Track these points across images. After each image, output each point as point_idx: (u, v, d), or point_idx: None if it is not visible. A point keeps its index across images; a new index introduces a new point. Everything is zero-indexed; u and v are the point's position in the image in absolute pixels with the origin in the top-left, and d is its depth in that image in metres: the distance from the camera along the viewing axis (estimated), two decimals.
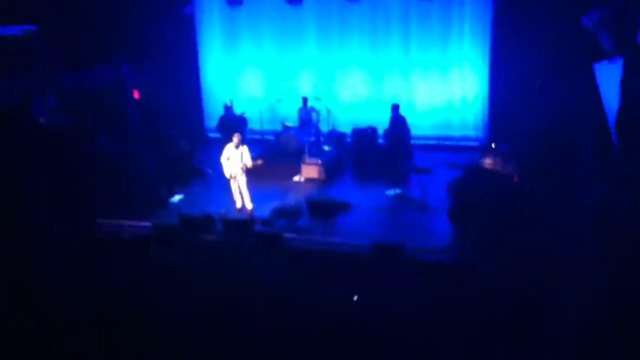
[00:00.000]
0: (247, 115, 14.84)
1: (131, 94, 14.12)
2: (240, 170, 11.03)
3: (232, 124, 13.81)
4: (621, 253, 4.42)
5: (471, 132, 14.79)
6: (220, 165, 11.33)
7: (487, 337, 7.45)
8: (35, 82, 12.57)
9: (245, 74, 16.31)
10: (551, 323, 6.00)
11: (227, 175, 11.16)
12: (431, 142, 14.97)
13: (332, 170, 13.22)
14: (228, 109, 14.15)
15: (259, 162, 11.37)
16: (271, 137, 14.61)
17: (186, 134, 14.48)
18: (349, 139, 14.48)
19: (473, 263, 9.04)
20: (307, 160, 13.24)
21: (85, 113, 13.19)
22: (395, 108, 13.49)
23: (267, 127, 14.66)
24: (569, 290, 5.54)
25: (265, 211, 11.09)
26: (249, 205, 11.29)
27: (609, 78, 5.76)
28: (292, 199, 11.90)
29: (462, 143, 14.77)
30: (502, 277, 8.17)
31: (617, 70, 5.13)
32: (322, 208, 11.25)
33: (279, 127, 14.49)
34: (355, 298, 8.92)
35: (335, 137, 14.34)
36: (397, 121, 13.59)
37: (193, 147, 14.36)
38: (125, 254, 10.43)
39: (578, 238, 5.74)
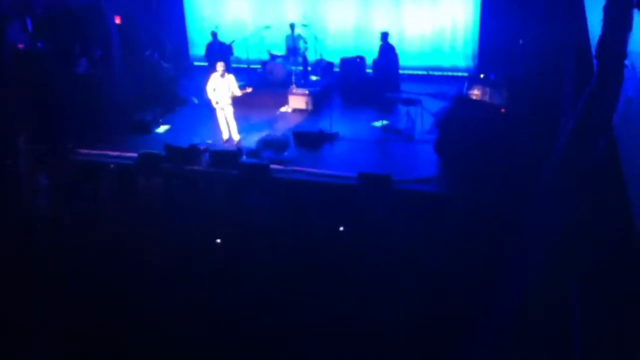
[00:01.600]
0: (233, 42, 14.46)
1: (111, 17, 13.61)
2: (228, 100, 10.87)
3: (219, 51, 13.46)
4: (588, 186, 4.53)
5: (460, 62, 14.58)
6: (206, 94, 11.14)
7: (469, 265, 7.67)
8: (9, 4, 12.05)
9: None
10: (527, 243, 6.18)
11: (214, 105, 11.00)
12: (420, 72, 14.77)
13: (319, 101, 13.07)
14: (215, 35, 13.76)
15: (249, 89, 11.21)
16: (258, 66, 14.32)
17: (170, 60, 14.15)
18: (337, 69, 14.24)
19: (458, 194, 9.16)
20: (295, 90, 13.05)
21: (64, 37, 12.76)
22: (384, 36, 13.21)
23: (253, 55, 14.31)
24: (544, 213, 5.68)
25: (252, 142, 11.04)
26: (236, 136, 11.20)
27: (595, 4, 5.65)
28: (279, 129, 11.83)
29: (451, 73, 14.59)
30: (484, 207, 8.31)
31: None
32: (309, 139, 11.22)
33: (265, 56, 14.17)
34: (341, 229, 9.07)
35: (323, 66, 14.09)
36: (387, 50, 13.37)
37: (177, 74, 14.08)
38: (110, 183, 10.44)
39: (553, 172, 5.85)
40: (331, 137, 11.40)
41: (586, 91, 5.27)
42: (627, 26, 4.44)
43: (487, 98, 11.57)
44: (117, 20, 13.69)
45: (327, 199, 9.65)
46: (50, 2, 12.79)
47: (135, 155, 10.75)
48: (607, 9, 4.65)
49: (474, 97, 11.68)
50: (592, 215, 4.09)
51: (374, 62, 13.57)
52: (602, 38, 4.64)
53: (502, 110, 10.84)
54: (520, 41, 11.67)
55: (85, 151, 11.15)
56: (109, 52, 13.49)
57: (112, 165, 10.62)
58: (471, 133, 9.93)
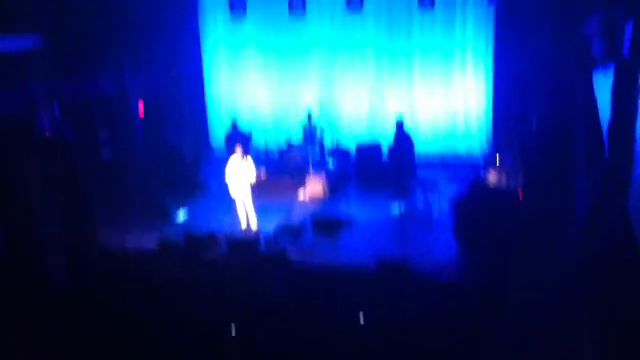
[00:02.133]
0: (252, 131, 14.87)
1: (134, 103, 14.20)
2: (245, 186, 11.02)
3: (238, 140, 13.83)
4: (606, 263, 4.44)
5: (475, 148, 14.76)
6: (225, 183, 11.33)
7: (490, 354, 7.37)
8: (39, 92, 12.65)
9: (250, 89, 16.38)
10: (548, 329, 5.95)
11: (232, 192, 11.15)
12: (435, 158, 14.93)
13: (336, 187, 13.19)
14: (234, 125, 14.19)
15: (263, 175, 11.36)
16: (275, 155, 14.62)
17: (191, 147, 14.53)
18: (353, 155, 14.47)
19: (477, 281, 8.97)
20: (312, 177, 13.23)
21: (89, 123, 13.25)
22: (399, 125, 13.45)
23: (271, 142, 14.66)
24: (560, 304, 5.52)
25: (270, 229, 11.06)
26: (254, 224, 11.25)
27: (604, 86, 5.76)
28: (296, 216, 11.87)
29: (466, 159, 14.73)
30: (504, 295, 8.10)
31: (610, 79, 5.15)
32: (326, 225, 11.21)
33: (283, 143, 14.51)
34: (360, 316, 8.85)
35: (339, 153, 14.32)
36: (402, 138, 13.55)
37: (197, 161, 14.40)
38: (128, 269, 10.42)
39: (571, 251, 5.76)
40: (349, 224, 11.39)
41: (600, 176, 5.26)
42: (634, 112, 4.50)
43: (503, 183, 11.59)
44: (141, 109, 14.25)
45: (346, 287, 9.49)
46: (77, 90, 13.40)
47: (153, 243, 10.80)
48: (614, 94, 4.74)
49: (491, 182, 11.71)
50: (613, 301, 3.98)
51: (390, 149, 13.78)
52: (611, 122, 4.70)
53: (519, 194, 10.81)
54: (534, 125, 11.81)
55: (105, 237, 11.23)
56: (132, 138, 13.96)
57: (129, 253, 10.65)
58: (489, 218, 9.87)
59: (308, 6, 14.31)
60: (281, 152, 14.34)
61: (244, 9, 14.59)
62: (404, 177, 12.91)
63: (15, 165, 10.82)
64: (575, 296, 5.01)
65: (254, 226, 11.24)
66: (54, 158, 11.89)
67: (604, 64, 6.28)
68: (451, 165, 14.57)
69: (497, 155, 12.44)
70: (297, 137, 14.58)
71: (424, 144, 14.74)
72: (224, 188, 11.71)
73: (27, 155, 11.25)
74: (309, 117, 14.34)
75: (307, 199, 13.04)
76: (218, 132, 16.20)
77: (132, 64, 14.25)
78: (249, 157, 11.10)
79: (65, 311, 9.19)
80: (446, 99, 14.84)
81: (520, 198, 10.41)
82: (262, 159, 14.35)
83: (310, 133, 14.37)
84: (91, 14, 13.49)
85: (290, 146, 14.29)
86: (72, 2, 13.12)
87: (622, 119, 4.50)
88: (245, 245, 10.52)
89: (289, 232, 10.82)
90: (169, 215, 12.24)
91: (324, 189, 13.03)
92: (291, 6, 14.21)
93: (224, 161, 13.14)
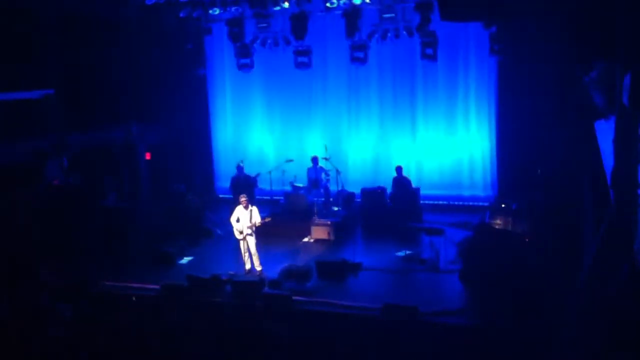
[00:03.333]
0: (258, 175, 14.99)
1: (141, 152, 14.38)
2: (250, 230, 11.04)
3: (244, 184, 13.94)
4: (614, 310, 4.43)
5: (480, 192, 14.82)
6: (229, 225, 11.37)
7: None
8: (49, 143, 12.86)
9: (256, 134, 16.61)
10: None
11: (237, 236, 11.17)
12: (441, 202, 14.99)
13: (341, 231, 13.20)
14: (240, 169, 14.33)
15: (268, 220, 11.38)
16: (281, 198, 14.70)
17: (196, 192, 14.63)
18: (358, 199, 14.52)
19: (484, 325, 8.88)
20: (317, 220, 13.26)
21: (96, 172, 13.43)
22: (398, 170, 13.56)
23: (276, 187, 14.77)
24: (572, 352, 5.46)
25: (275, 272, 11.02)
26: (258, 267, 11.23)
27: (606, 136, 5.86)
28: (301, 260, 11.84)
29: (471, 203, 14.78)
30: (512, 339, 8.01)
31: (612, 128, 5.26)
32: (331, 269, 11.16)
33: (288, 188, 14.60)
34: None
35: (344, 197, 14.38)
36: (401, 182, 13.64)
37: (203, 206, 14.47)
38: (133, 316, 10.35)
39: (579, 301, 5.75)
40: (354, 268, 11.34)
41: (605, 219, 5.30)
42: (636, 158, 4.57)
43: (509, 227, 11.60)
44: (148, 157, 14.42)
45: (351, 331, 9.40)
46: (86, 141, 13.63)
47: (157, 286, 10.78)
48: (615, 142, 4.82)
49: (497, 227, 11.72)
50: (620, 342, 3.95)
51: (390, 193, 13.84)
52: (614, 169, 4.77)
53: (526, 239, 10.81)
54: (539, 170, 11.91)
55: (109, 283, 11.21)
56: (138, 185, 14.09)
57: (134, 298, 10.60)
58: (496, 263, 9.85)
59: (314, 58, 14.63)
60: (286, 195, 14.42)
61: (251, 58, 14.97)
62: (410, 221, 12.93)
63: (26, 211, 10.95)
64: (583, 339, 4.97)
65: (258, 268, 11.21)
66: (62, 204, 12.06)
67: (605, 114, 6.41)
68: (457, 210, 14.61)
69: (502, 201, 12.50)
70: (302, 180, 14.68)
71: (430, 189, 14.83)
72: (228, 231, 11.74)
73: (38, 202, 11.41)
74: (314, 160, 14.47)
75: (312, 241, 13.04)
76: (224, 176, 16.35)
77: (139, 114, 14.55)
78: (254, 206, 11.15)
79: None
80: (451, 145, 14.98)
81: (527, 242, 10.40)
82: (268, 202, 14.43)
83: (315, 177, 14.47)
84: (101, 66, 13.88)
85: (295, 189, 14.38)
86: (83, 55, 13.52)
87: (624, 165, 4.57)
88: (249, 287, 10.49)
89: (294, 274, 10.78)
90: (174, 259, 12.24)
91: (329, 232, 13.03)
92: (297, 58, 14.54)
93: (229, 203, 13.24)
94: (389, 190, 14.21)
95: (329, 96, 15.78)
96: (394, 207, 13.85)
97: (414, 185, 14.32)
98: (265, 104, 16.42)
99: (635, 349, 3.59)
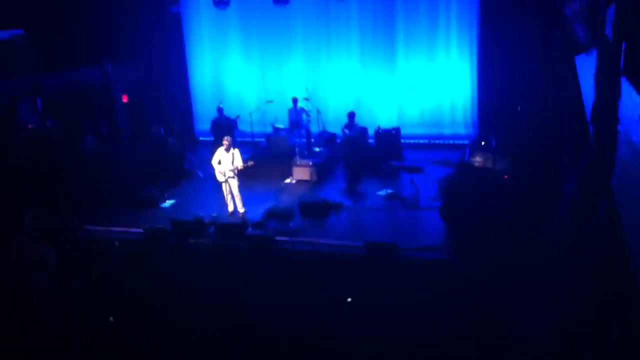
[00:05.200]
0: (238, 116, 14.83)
1: (118, 94, 14.08)
2: (232, 173, 11.01)
3: (224, 126, 13.78)
4: (593, 250, 4.54)
5: (461, 130, 14.85)
6: (211, 167, 11.31)
7: (478, 335, 7.50)
8: (21, 85, 12.51)
9: (234, 75, 16.29)
10: (534, 320, 6.09)
11: (219, 179, 11.14)
12: (422, 140, 15.01)
13: (323, 172, 13.22)
14: (220, 110, 14.13)
15: (251, 163, 11.35)
16: (262, 139, 14.60)
17: (176, 135, 14.47)
18: (339, 140, 14.49)
19: (463, 261, 9.08)
20: (298, 161, 13.24)
21: (72, 115, 13.15)
22: (351, 116, 13.05)
23: (257, 129, 14.63)
24: (549, 289, 5.64)
25: (257, 214, 11.09)
26: (241, 208, 11.27)
27: (587, 71, 5.83)
28: (283, 201, 11.90)
29: (452, 141, 14.83)
30: (491, 275, 8.21)
31: (593, 62, 5.23)
32: (314, 209, 11.26)
33: (269, 129, 14.49)
34: (349, 300, 8.94)
35: (325, 137, 14.33)
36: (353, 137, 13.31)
37: (183, 148, 14.35)
38: (116, 260, 10.40)
39: (556, 237, 5.89)
40: (336, 207, 11.45)
41: (584, 155, 5.35)
42: (617, 93, 4.57)
43: (489, 164, 11.69)
44: (125, 100, 14.13)
45: (334, 269, 9.56)
46: (60, 82, 13.26)
47: (140, 230, 10.79)
48: (597, 77, 4.80)
49: (477, 164, 11.80)
50: (596, 276, 4.08)
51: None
52: (595, 104, 4.77)
53: (505, 176, 10.92)
54: (519, 107, 11.92)
55: (91, 227, 11.19)
56: (116, 129, 13.86)
57: (117, 243, 10.62)
58: (475, 199, 9.98)
59: None
60: (268, 136, 14.32)
61: None
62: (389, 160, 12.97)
63: (3, 155, 10.74)
64: (561, 274, 5.11)
65: (241, 210, 11.25)
66: (39, 148, 11.84)
67: (586, 47, 6.35)
68: (438, 148, 14.68)
69: (482, 138, 12.56)
70: (282, 121, 14.55)
71: (412, 128, 14.82)
72: (209, 174, 11.69)
73: (14, 146, 11.19)
74: (294, 101, 14.30)
75: (294, 182, 13.07)
76: (203, 118, 16.13)
77: (115, 54, 14.12)
78: (235, 149, 11.06)
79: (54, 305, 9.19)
80: (433, 84, 14.86)
81: (506, 179, 10.52)
82: (249, 144, 14.33)
83: (296, 118, 14.35)
84: (73, 4, 13.33)
85: (276, 130, 14.27)
86: None
87: (605, 100, 4.57)
88: (232, 228, 10.55)
89: (277, 215, 10.85)
90: (156, 202, 12.21)
91: (310, 173, 13.05)
92: None
93: (209, 146, 13.13)
94: (370, 130, 14.14)
95: (308, 33, 15.40)
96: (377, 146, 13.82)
97: (392, 126, 14.27)
98: (243, 43, 16.00)
99: (611, 286, 3.70)
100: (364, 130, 14.03)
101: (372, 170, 13.02)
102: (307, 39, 15.45)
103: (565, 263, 5.04)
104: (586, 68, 6.21)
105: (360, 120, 14.67)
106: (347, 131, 12.36)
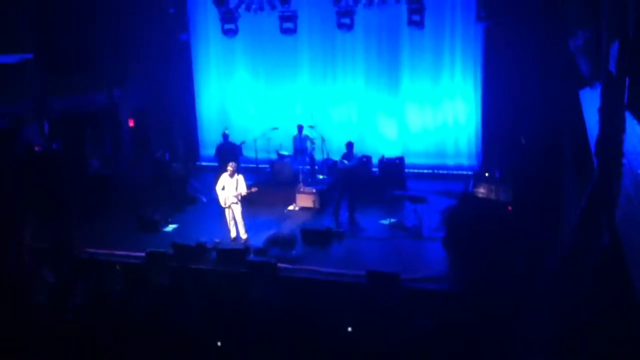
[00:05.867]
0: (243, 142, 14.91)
1: (124, 118, 14.19)
2: (235, 199, 11.02)
3: (229, 151, 13.86)
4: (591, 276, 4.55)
5: (464, 161, 14.88)
6: (214, 192, 11.33)
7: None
8: (28, 108, 12.63)
9: (241, 102, 16.43)
10: (535, 352, 6.03)
11: (222, 204, 11.15)
12: (425, 170, 15.04)
13: (326, 199, 13.22)
14: (226, 136, 14.23)
15: (254, 189, 11.37)
16: (266, 166, 14.65)
17: (181, 160, 14.54)
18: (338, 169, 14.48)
19: (467, 291, 9.02)
20: (302, 188, 13.26)
21: (78, 138, 13.25)
22: (349, 146, 12.72)
23: (262, 155, 14.70)
24: (551, 322, 5.60)
25: (260, 240, 11.06)
26: (243, 234, 11.25)
27: (591, 104, 5.89)
28: (286, 227, 11.87)
29: (455, 172, 14.85)
30: (493, 304, 8.15)
31: (597, 96, 5.29)
32: (316, 237, 11.22)
33: (273, 155, 14.55)
34: (349, 329, 8.86)
35: (329, 165, 14.37)
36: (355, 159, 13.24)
37: (187, 173, 14.40)
38: (118, 283, 10.36)
39: (558, 269, 5.87)
40: (339, 235, 11.42)
41: (588, 188, 5.35)
42: (621, 127, 4.60)
43: (493, 195, 11.70)
44: (131, 124, 14.25)
45: (335, 298, 9.50)
46: (67, 105, 13.38)
47: (142, 254, 10.76)
48: (601, 111, 4.84)
49: (480, 195, 11.82)
50: (598, 310, 4.05)
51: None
52: (599, 138, 4.79)
53: (509, 207, 10.92)
54: (522, 139, 11.97)
55: (93, 250, 11.17)
56: (120, 152, 13.95)
57: (118, 267, 10.59)
58: (478, 230, 9.96)
59: (300, 23, 14.39)
60: (272, 163, 14.38)
61: (235, 23, 14.65)
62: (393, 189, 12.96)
63: (4, 177, 10.80)
64: (562, 304, 5.08)
65: (243, 236, 11.23)
66: (45, 171, 11.90)
67: (590, 82, 6.42)
68: (441, 178, 14.69)
69: (486, 169, 12.58)
70: (287, 148, 14.63)
71: (415, 157, 14.87)
72: (213, 199, 11.70)
73: (16, 169, 11.25)
74: (299, 128, 14.40)
75: (297, 209, 13.07)
76: (209, 144, 16.23)
77: (122, 79, 14.28)
78: (240, 175, 11.09)
79: (52, 327, 9.14)
80: (436, 114, 14.95)
81: (510, 210, 10.51)
82: (253, 170, 14.38)
83: (300, 145, 14.42)
84: (82, 30, 13.53)
85: (280, 157, 14.33)
86: (62, 20, 13.15)
87: (609, 134, 4.60)
88: (234, 254, 10.52)
89: (279, 242, 10.82)
90: (158, 226, 12.20)
91: (314, 200, 13.06)
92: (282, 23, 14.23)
93: (214, 171, 13.17)
94: (374, 159, 14.18)
95: (314, 62, 15.58)
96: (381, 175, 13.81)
97: (396, 155, 14.32)
98: (250, 70, 16.19)
99: (613, 317, 3.68)
100: (366, 158, 14.08)
101: (375, 199, 13.00)
102: (313, 68, 15.63)
103: (567, 296, 5.02)
104: (590, 102, 6.26)
105: (365, 148, 14.79)
106: (345, 161, 12.34)
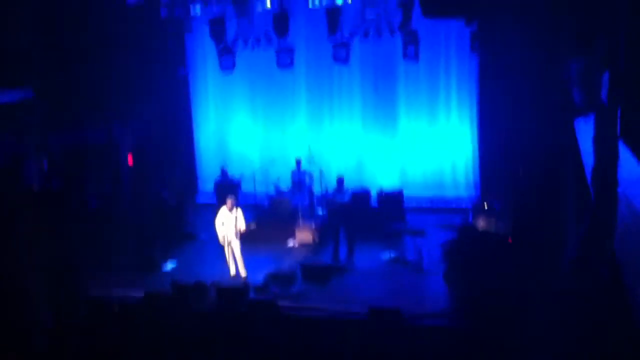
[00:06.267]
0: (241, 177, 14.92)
1: (123, 154, 14.19)
2: (235, 235, 10.96)
3: (228, 187, 13.85)
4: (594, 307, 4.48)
5: (463, 192, 14.86)
6: (214, 230, 11.28)
7: None
8: (27, 145, 12.65)
9: (239, 136, 16.50)
10: None
11: (221, 241, 11.08)
12: (424, 204, 15.00)
13: (326, 234, 13.15)
14: (224, 173, 14.24)
15: (253, 226, 11.32)
16: (265, 201, 14.62)
17: (180, 197, 14.51)
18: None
19: (469, 326, 8.90)
20: (301, 224, 13.21)
21: (77, 174, 13.23)
22: (340, 182, 12.71)
23: (260, 189, 14.69)
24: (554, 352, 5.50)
25: (259, 277, 10.96)
26: (243, 272, 11.16)
27: (586, 134, 5.91)
28: (286, 264, 11.79)
29: (454, 204, 14.80)
30: (496, 340, 8.02)
31: (591, 126, 5.32)
32: (316, 273, 11.13)
33: (272, 190, 14.53)
34: None
35: (328, 199, 14.33)
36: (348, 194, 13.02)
37: (186, 210, 14.34)
38: (116, 320, 10.22)
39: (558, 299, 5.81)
40: (339, 271, 11.32)
41: (586, 217, 5.32)
42: (615, 157, 4.60)
43: (492, 228, 11.63)
44: (130, 162, 14.25)
45: (337, 334, 9.37)
46: (66, 142, 13.39)
47: (140, 294, 10.65)
48: (595, 140, 4.85)
49: (480, 228, 11.75)
50: (599, 340, 3.97)
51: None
52: (595, 168, 4.79)
53: (509, 239, 10.84)
54: (520, 170, 11.95)
55: (92, 291, 11.06)
56: (119, 190, 13.91)
57: (116, 309, 10.46)
58: (479, 263, 9.88)
59: (297, 57, 14.56)
60: (270, 198, 14.35)
61: (233, 59, 14.82)
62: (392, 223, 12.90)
63: (2, 216, 10.75)
64: (565, 337, 4.99)
65: (243, 273, 11.13)
66: (42, 209, 11.85)
67: (584, 111, 6.46)
68: (441, 211, 14.64)
69: (485, 202, 12.53)
70: (286, 184, 14.62)
71: (414, 189, 14.85)
72: (212, 236, 11.65)
73: (15, 207, 11.20)
74: (298, 163, 14.43)
75: (296, 245, 12.99)
76: (207, 179, 16.24)
77: (121, 115, 14.34)
78: (239, 209, 11.06)
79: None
80: (433, 147, 15.01)
81: (510, 243, 10.43)
82: (252, 206, 14.34)
83: (299, 180, 14.42)
84: (79, 67, 13.65)
85: (279, 193, 14.31)
86: (60, 56, 13.27)
87: (604, 164, 4.60)
88: (234, 293, 10.40)
89: (279, 279, 10.72)
90: (157, 265, 12.11)
91: (313, 236, 12.99)
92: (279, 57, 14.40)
93: (212, 208, 13.12)
94: (373, 192, 14.16)
95: (312, 96, 15.71)
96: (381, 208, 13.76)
97: (394, 188, 14.30)
98: (248, 104, 16.31)
99: (612, 348, 3.60)
100: (365, 191, 14.04)
101: (374, 233, 12.93)
102: (310, 102, 15.76)
103: (568, 325, 4.94)
104: (585, 131, 6.29)
105: (363, 181, 14.80)
106: (337, 198, 12.27)
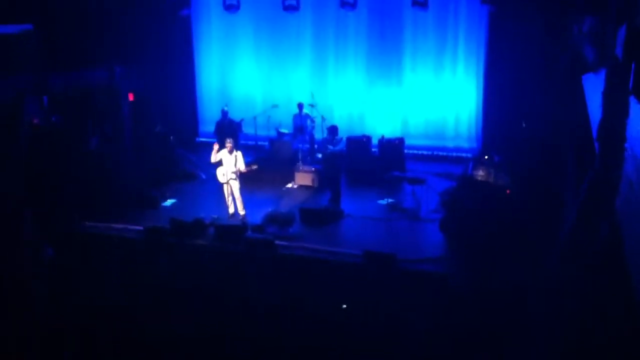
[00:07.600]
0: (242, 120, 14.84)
1: (125, 95, 14.07)
2: (234, 175, 11.01)
3: (228, 128, 13.81)
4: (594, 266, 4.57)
5: (464, 144, 14.85)
6: (213, 169, 11.30)
7: (473, 349, 7.49)
8: (28, 82, 12.51)
9: (241, 79, 16.31)
10: (532, 336, 6.09)
11: (221, 180, 11.14)
12: (425, 152, 15.02)
13: (325, 178, 13.19)
14: (225, 113, 14.16)
15: (254, 166, 11.35)
16: (265, 143, 14.61)
17: (180, 136, 14.49)
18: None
19: (462, 274, 9.07)
20: (301, 167, 13.25)
21: (78, 114, 13.16)
22: (333, 130, 12.39)
23: (261, 132, 14.65)
24: (548, 305, 5.64)
25: (258, 217, 11.07)
26: (242, 211, 11.26)
27: (594, 90, 5.87)
28: (284, 206, 11.89)
29: (455, 154, 14.83)
30: (489, 290, 8.20)
31: (601, 82, 5.28)
32: (314, 216, 11.25)
33: (273, 133, 14.50)
34: (344, 307, 8.93)
35: (320, 148, 14.30)
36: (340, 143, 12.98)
37: (186, 149, 14.34)
38: (114, 257, 10.39)
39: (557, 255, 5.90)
40: (337, 215, 11.43)
41: (589, 174, 5.35)
42: (625, 112, 4.59)
43: (491, 179, 11.68)
44: (131, 98, 14.15)
45: (332, 276, 9.55)
46: (66, 82, 13.27)
47: (140, 228, 10.78)
48: (605, 95, 4.82)
49: (479, 178, 11.80)
50: (597, 298, 4.07)
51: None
52: (602, 122, 4.78)
53: (507, 191, 10.92)
54: (523, 124, 11.93)
55: (91, 224, 11.18)
56: (120, 129, 13.87)
57: (117, 238, 10.61)
58: (476, 213, 9.98)
59: (302, 1, 14.24)
60: (271, 141, 14.33)
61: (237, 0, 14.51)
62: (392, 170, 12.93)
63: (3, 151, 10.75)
64: (559, 291, 5.11)
65: (241, 212, 11.24)
66: (44, 143, 11.84)
67: (594, 67, 6.40)
68: (441, 160, 14.69)
69: (486, 153, 12.55)
70: (287, 126, 14.57)
71: (415, 139, 14.83)
72: (212, 175, 11.69)
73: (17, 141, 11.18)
74: (300, 107, 14.33)
75: (295, 187, 13.07)
76: (208, 121, 16.15)
77: (122, 55, 14.14)
78: (239, 152, 11.05)
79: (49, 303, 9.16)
80: (437, 96, 14.87)
81: (508, 195, 10.51)
82: (252, 147, 14.35)
83: (300, 123, 14.36)
84: (80, 4, 13.37)
85: (280, 134, 14.29)
86: None
87: (612, 118, 4.59)
88: (232, 231, 10.53)
89: (277, 220, 10.84)
90: (157, 202, 12.20)
91: (312, 179, 13.05)
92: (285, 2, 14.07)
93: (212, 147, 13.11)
94: (374, 139, 14.14)
95: (317, 41, 15.44)
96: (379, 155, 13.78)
97: (396, 136, 14.27)
98: (251, 48, 16.04)
99: (610, 308, 3.70)
100: (366, 138, 14.02)
101: (373, 180, 12.99)
102: (315, 46, 15.49)
103: (565, 281, 5.05)
104: (593, 87, 6.24)
105: (365, 128, 14.75)
106: (330, 147, 12.23)
